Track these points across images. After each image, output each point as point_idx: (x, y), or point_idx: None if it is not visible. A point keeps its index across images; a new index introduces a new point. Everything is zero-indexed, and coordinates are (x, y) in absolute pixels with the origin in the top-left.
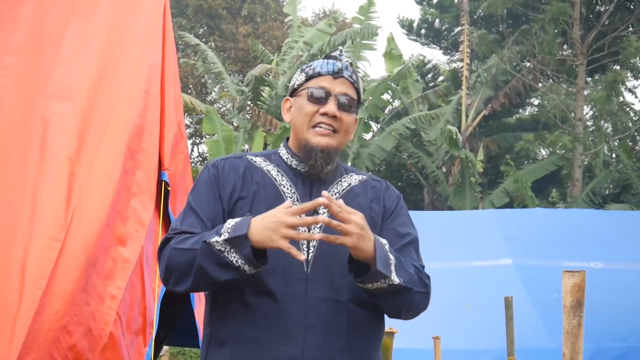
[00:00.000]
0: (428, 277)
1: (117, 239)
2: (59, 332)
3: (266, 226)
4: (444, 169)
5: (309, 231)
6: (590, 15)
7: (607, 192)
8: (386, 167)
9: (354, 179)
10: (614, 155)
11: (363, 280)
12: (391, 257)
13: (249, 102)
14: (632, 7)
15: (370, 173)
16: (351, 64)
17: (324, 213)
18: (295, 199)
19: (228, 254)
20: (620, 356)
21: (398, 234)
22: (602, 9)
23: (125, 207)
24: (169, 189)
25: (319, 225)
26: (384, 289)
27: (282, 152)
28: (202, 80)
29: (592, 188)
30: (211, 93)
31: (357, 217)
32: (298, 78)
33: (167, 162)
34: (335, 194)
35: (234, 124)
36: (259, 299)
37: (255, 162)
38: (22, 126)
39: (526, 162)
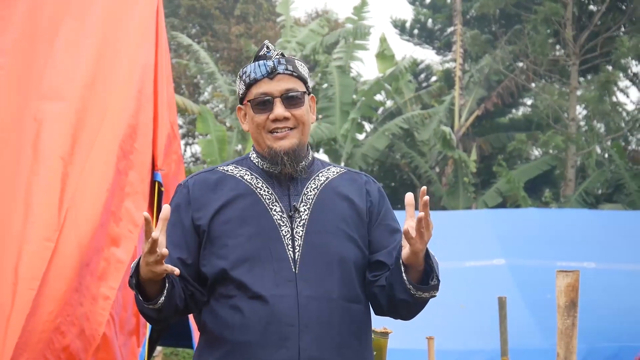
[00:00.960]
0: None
1: (111, 240)
2: (52, 332)
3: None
4: (437, 169)
5: (292, 232)
6: (583, 16)
7: (600, 192)
8: (379, 167)
9: (331, 172)
10: (606, 155)
11: (421, 289)
12: (437, 271)
13: None
14: (624, 7)
15: (349, 168)
16: (282, 54)
17: (305, 211)
18: (274, 199)
19: (138, 295)
20: (613, 356)
21: (391, 230)
22: (594, 9)
23: (119, 207)
24: (162, 189)
25: (302, 224)
26: (426, 299)
27: (253, 155)
28: (195, 80)
29: (585, 188)
30: (204, 93)
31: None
32: (240, 87)
33: (160, 163)
34: (313, 189)
35: (227, 124)
36: (251, 302)
37: (228, 171)
38: (14, 126)
39: (519, 162)
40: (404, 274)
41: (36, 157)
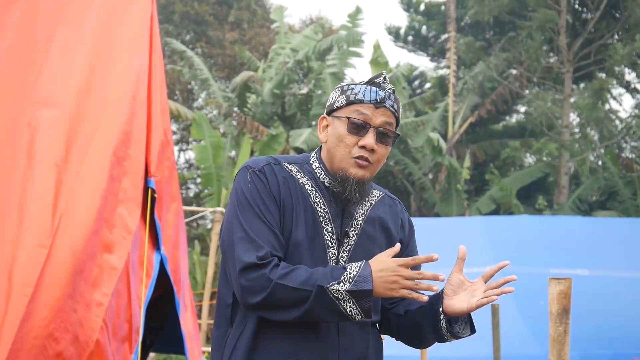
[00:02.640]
0: None
1: (104, 246)
2: (46, 339)
3: (386, 280)
4: (431, 176)
5: (338, 256)
6: (577, 23)
7: (593, 199)
8: None
9: (374, 195)
10: (600, 163)
11: (455, 337)
12: None
13: (235, 109)
14: (617, 15)
15: (384, 189)
16: (393, 91)
17: (353, 236)
18: (328, 219)
19: (344, 303)
20: None
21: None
22: (588, 17)
23: (112, 214)
24: (155, 195)
25: (347, 249)
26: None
27: (315, 165)
28: (189, 86)
29: (579, 195)
30: (197, 99)
31: None
32: (338, 99)
33: (153, 169)
34: (361, 214)
35: (221, 130)
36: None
37: (292, 171)
38: (9, 132)
39: (513, 169)
40: (442, 321)
41: (30, 163)
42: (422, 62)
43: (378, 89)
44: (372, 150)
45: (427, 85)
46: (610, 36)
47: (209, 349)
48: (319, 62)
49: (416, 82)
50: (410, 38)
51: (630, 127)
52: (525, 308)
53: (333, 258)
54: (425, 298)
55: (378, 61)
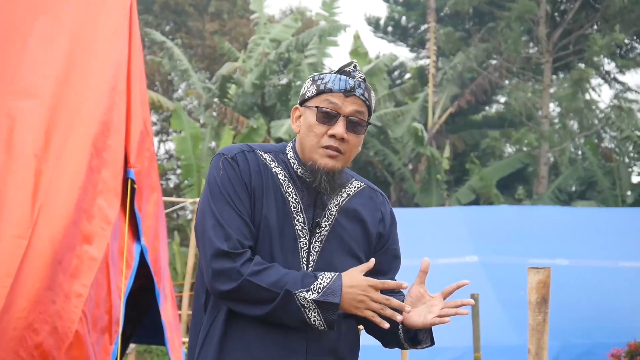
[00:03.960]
0: None
1: (83, 237)
2: (25, 330)
3: (354, 297)
4: (411, 166)
5: (309, 246)
6: (556, 14)
7: (573, 189)
8: (353, 164)
9: (353, 187)
10: (579, 153)
11: (415, 347)
12: None
13: (215, 100)
14: (596, 5)
15: (368, 181)
16: (364, 79)
17: (325, 227)
18: (300, 209)
19: (309, 312)
20: (585, 352)
21: (394, 255)
22: (567, 7)
23: (91, 205)
24: (135, 186)
25: (320, 239)
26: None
27: (290, 154)
28: (169, 77)
29: (558, 185)
30: (177, 90)
31: None
32: (309, 89)
33: (133, 160)
34: (336, 205)
35: (201, 121)
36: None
37: (265, 159)
38: None
39: (492, 159)
40: (401, 331)
41: (9, 154)
42: (402, 53)
43: (348, 78)
44: (342, 140)
45: (407, 75)
46: (589, 26)
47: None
48: (298, 53)
49: (396, 73)
50: (390, 29)
51: (609, 117)
52: (504, 298)
53: (304, 248)
54: (386, 325)
55: (358, 51)
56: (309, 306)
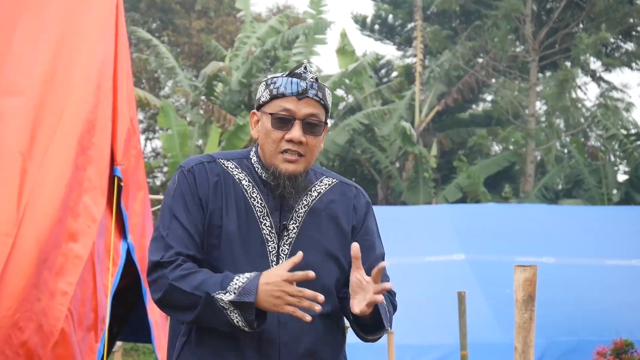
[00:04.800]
0: (396, 301)
1: (69, 235)
2: (11, 328)
3: (271, 294)
4: (398, 164)
5: (278, 250)
6: (542, 12)
7: (559, 187)
8: (340, 162)
9: (324, 184)
10: (566, 151)
11: (367, 332)
12: (388, 311)
13: (202, 97)
14: (582, 4)
15: (340, 176)
16: (317, 79)
17: (293, 229)
18: (265, 213)
19: (230, 313)
20: (571, 350)
21: (369, 247)
22: (553, 6)
23: (77, 202)
24: (122, 184)
25: (288, 242)
26: (377, 337)
27: (254, 159)
28: (155, 75)
29: (545, 184)
30: (164, 88)
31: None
32: (263, 94)
33: (119, 158)
34: (304, 206)
35: (188, 118)
36: None
37: (227, 167)
38: None
39: (479, 157)
40: (353, 324)
41: None
42: (389, 51)
43: (299, 80)
44: (300, 143)
45: (394, 73)
46: (575, 25)
47: None
48: (285, 51)
49: (383, 71)
50: (376, 27)
51: (596, 115)
52: (491, 296)
53: (274, 252)
54: (308, 318)
55: (345, 50)
56: (228, 307)
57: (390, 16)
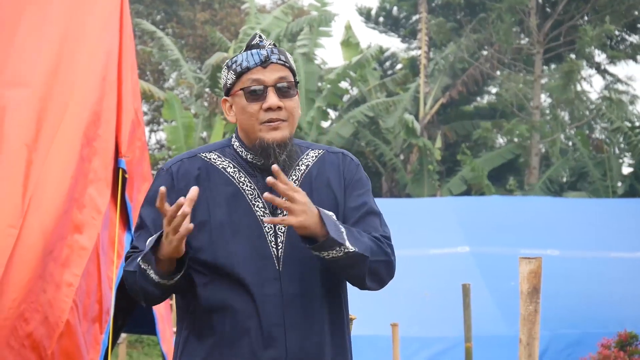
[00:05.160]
0: (389, 245)
1: (74, 227)
2: (16, 319)
3: (165, 237)
4: (402, 157)
5: (275, 229)
6: (546, 5)
7: (564, 180)
8: None
9: (310, 157)
10: (570, 144)
11: (318, 248)
12: (341, 226)
13: (207, 90)
14: None
15: (327, 146)
16: (275, 44)
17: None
18: (257, 195)
19: (150, 272)
20: (575, 342)
21: (355, 207)
22: None
23: (82, 194)
24: (127, 176)
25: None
26: (341, 258)
27: (236, 144)
28: (160, 67)
29: (549, 176)
30: (168, 80)
31: (300, 196)
32: (228, 77)
33: (124, 149)
34: (294, 181)
35: (192, 111)
36: (238, 300)
37: (210, 159)
38: None
39: (484, 150)
40: (302, 242)
41: (0, 144)
42: (393, 43)
43: (259, 50)
44: (279, 109)
45: (399, 66)
46: (579, 17)
47: None
48: (290, 43)
49: (387, 63)
50: (381, 19)
51: (600, 108)
52: (495, 288)
53: (270, 232)
54: (190, 226)
55: (350, 42)
56: (145, 267)
57: (395, 8)
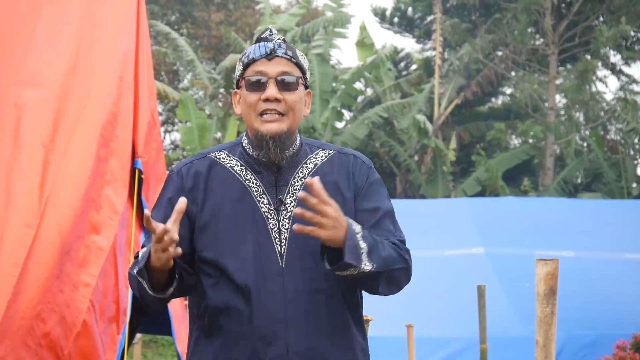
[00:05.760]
0: (407, 250)
1: (91, 227)
2: (33, 320)
3: (154, 253)
4: (417, 158)
5: (279, 226)
6: (562, 5)
7: (578, 181)
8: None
9: (320, 157)
10: (585, 145)
11: (334, 269)
12: (362, 245)
13: (221, 90)
14: None
15: (339, 147)
16: (284, 40)
17: (291, 202)
18: (262, 192)
19: (145, 284)
20: (591, 343)
21: (369, 210)
22: None
23: (99, 194)
24: (143, 176)
25: (287, 216)
26: (356, 275)
27: (245, 141)
28: (174, 67)
29: (564, 177)
30: (183, 81)
31: (332, 210)
32: (238, 69)
33: (140, 150)
34: (300, 179)
35: (207, 111)
36: (240, 297)
37: (219, 159)
38: None
39: (498, 150)
40: (320, 260)
41: (17, 144)
42: (408, 44)
43: (266, 43)
44: (277, 101)
45: (413, 66)
46: (595, 18)
47: None
48: (304, 43)
49: (402, 64)
50: (396, 19)
51: (615, 109)
52: (510, 289)
53: (275, 229)
54: (179, 251)
55: (364, 42)
56: (140, 280)
57: (410, 9)
